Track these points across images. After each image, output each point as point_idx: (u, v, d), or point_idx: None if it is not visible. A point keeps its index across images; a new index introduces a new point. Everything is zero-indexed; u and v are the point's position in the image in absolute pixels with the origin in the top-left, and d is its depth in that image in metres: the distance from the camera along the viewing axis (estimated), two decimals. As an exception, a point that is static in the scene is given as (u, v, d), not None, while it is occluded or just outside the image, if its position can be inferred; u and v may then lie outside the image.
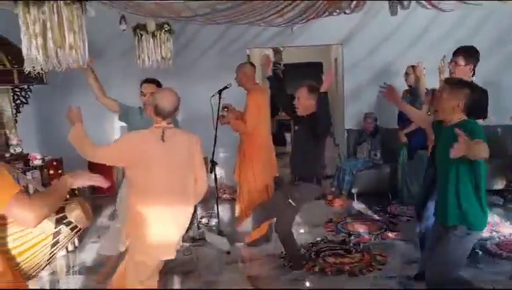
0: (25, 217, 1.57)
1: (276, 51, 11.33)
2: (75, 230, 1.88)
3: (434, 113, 3.27)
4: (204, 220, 5.34)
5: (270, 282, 3.91)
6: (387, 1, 4.35)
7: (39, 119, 6.79)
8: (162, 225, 2.75)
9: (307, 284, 3.78)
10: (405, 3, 4.31)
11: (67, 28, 2.64)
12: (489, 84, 3.62)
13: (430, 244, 2.97)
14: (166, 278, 3.84)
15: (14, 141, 4.84)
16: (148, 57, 4.69)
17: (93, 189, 6.45)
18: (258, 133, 4.51)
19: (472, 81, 3.22)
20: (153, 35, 4.68)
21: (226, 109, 4.59)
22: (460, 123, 2.58)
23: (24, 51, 2.65)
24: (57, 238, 1.81)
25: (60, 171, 4.99)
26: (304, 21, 5.16)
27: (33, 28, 2.59)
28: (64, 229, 1.82)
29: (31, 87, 5.12)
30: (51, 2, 2.58)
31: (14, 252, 1.71)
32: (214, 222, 5.17)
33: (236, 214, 4.76)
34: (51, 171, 4.93)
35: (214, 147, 4.63)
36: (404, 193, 5.63)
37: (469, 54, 3.45)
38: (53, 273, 4.20)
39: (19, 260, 1.72)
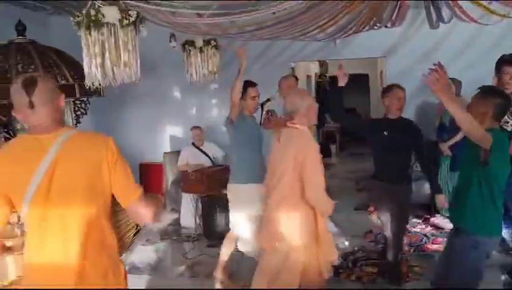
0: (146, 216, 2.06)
1: (322, 63, 11.48)
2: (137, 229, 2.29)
3: None
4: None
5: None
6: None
7: (96, 128, 7.28)
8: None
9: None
10: (445, 18, 4.36)
11: (122, 48, 2.95)
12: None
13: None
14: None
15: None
16: (196, 71, 4.99)
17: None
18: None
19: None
20: (201, 51, 4.99)
21: (270, 114, 4.76)
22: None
23: (86, 69, 2.99)
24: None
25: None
26: (345, 35, 5.29)
27: (93, 49, 2.92)
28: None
29: (89, 99, 5.55)
30: (109, 25, 2.90)
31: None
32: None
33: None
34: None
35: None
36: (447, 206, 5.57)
37: None
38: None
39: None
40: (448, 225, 5.22)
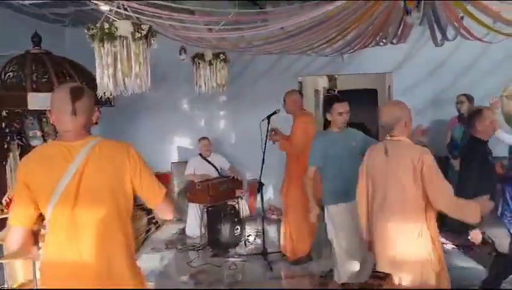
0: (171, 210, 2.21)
1: (331, 78, 11.60)
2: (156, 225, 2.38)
3: None
4: (251, 238, 5.62)
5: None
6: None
7: (107, 137, 7.41)
8: None
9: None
10: (449, 36, 4.44)
11: (134, 59, 3.07)
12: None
13: None
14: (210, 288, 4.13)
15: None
16: (205, 83, 5.11)
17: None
18: (304, 156, 4.72)
19: None
20: (210, 64, 5.12)
21: (273, 132, 4.86)
22: None
23: (98, 80, 3.11)
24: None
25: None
26: (351, 50, 5.39)
27: (106, 60, 3.05)
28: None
29: (100, 109, 5.68)
30: (122, 38, 3.03)
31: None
32: (259, 240, 5.42)
33: (282, 232, 4.97)
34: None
35: (262, 169, 4.91)
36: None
37: None
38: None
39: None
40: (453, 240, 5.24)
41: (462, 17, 4.08)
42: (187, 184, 6.05)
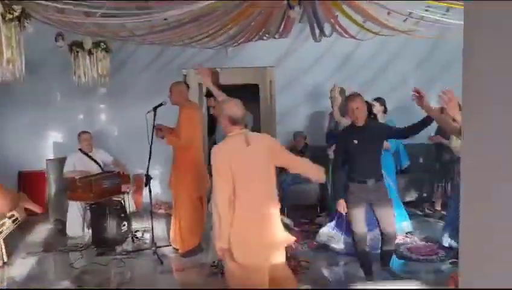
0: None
1: (213, 73, 11.67)
2: (16, 222, 2.10)
3: None
4: (139, 234, 5.45)
5: (203, 287, 4.11)
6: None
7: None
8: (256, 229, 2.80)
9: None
10: (326, 32, 4.76)
11: (5, 44, 2.77)
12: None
13: None
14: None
15: None
16: (85, 73, 4.82)
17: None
18: (193, 147, 4.73)
19: None
20: (90, 53, 4.84)
21: (159, 129, 4.76)
22: None
23: (-39, 65, 2.76)
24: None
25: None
26: (235, 44, 5.50)
27: (-29, 43, 2.71)
28: (8, 221, 2.03)
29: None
30: (-10, 19, 2.72)
31: None
32: (148, 235, 5.29)
33: (172, 225, 4.91)
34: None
35: (149, 162, 4.78)
36: (333, 206, 6.02)
37: None
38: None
39: None
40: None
41: (337, 16, 4.41)
42: (66, 182, 5.64)
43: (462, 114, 2.17)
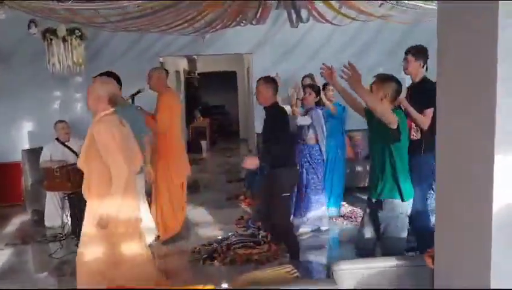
0: None
1: (190, 60, 11.57)
2: None
3: None
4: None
5: (185, 273, 4.14)
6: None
7: None
8: None
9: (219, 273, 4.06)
10: (303, 17, 4.79)
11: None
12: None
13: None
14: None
15: None
16: (59, 61, 4.74)
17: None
18: (171, 133, 4.71)
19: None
20: (64, 40, 4.74)
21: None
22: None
23: None
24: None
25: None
26: (212, 30, 5.48)
27: None
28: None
29: None
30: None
31: None
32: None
33: (152, 212, 4.89)
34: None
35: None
36: None
37: (418, 51, 3.82)
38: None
39: None
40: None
41: (314, 1, 4.44)
42: (43, 172, 5.55)
43: (437, 114, 2.18)
